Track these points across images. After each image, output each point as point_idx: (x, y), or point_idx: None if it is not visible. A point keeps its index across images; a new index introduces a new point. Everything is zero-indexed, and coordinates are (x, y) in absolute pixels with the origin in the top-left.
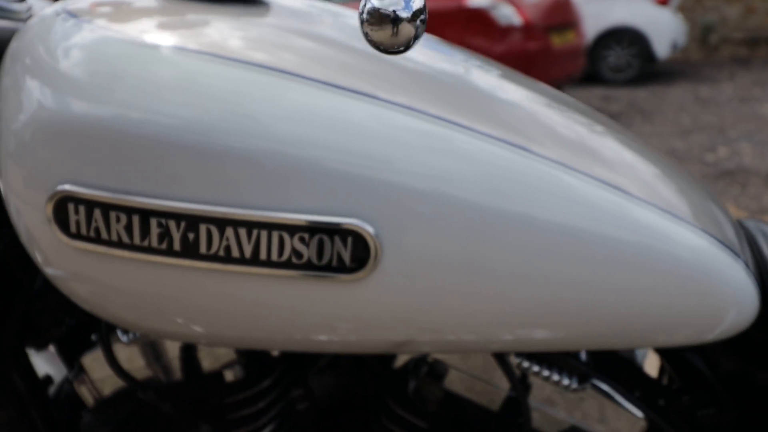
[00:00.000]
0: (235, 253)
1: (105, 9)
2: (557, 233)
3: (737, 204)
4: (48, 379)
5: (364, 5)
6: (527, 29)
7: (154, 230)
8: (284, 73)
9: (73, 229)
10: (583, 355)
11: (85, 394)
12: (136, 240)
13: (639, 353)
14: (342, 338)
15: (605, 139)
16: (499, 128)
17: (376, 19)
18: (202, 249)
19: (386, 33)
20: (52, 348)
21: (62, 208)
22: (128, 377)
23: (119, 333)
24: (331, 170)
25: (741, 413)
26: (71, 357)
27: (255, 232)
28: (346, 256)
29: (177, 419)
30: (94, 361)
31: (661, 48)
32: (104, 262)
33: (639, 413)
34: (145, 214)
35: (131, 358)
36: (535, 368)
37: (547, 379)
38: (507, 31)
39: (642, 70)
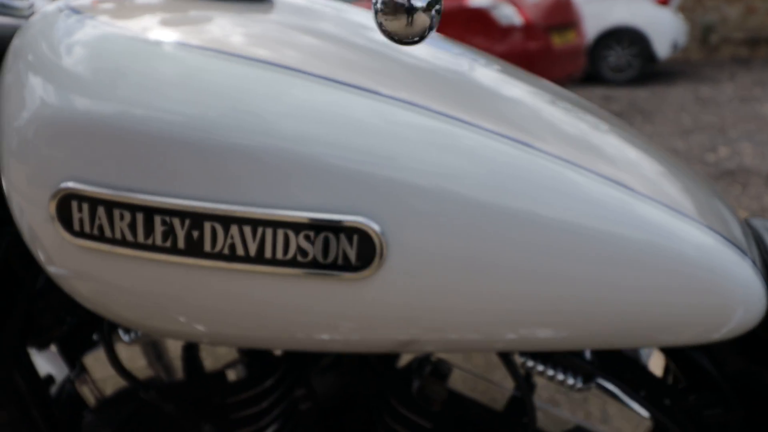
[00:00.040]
0: (240, 251)
1: (108, 5)
2: (562, 230)
3: (738, 204)
4: (49, 379)
5: None
6: (528, 29)
7: (158, 228)
8: (288, 69)
9: (76, 227)
10: (588, 355)
11: (87, 393)
12: (140, 238)
13: (644, 352)
14: (346, 337)
15: (609, 136)
16: (502, 124)
17: (391, 8)
18: (207, 247)
19: (401, 23)
20: (53, 347)
21: (65, 205)
22: (130, 377)
23: (121, 332)
24: (335, 167)
25: (748, 413)
26: (73, 356)
27: (260, 230)
28: (352, 254)
29: (179, 419)
30: (95, 361)
31: (662, 48)
32: (107, 260)
33: (644, 413)
34: (149, 211)
35: (133, 358)
36: (540, 367)
37: (551, 378)
38: (508, 30)
39: (642, 70)
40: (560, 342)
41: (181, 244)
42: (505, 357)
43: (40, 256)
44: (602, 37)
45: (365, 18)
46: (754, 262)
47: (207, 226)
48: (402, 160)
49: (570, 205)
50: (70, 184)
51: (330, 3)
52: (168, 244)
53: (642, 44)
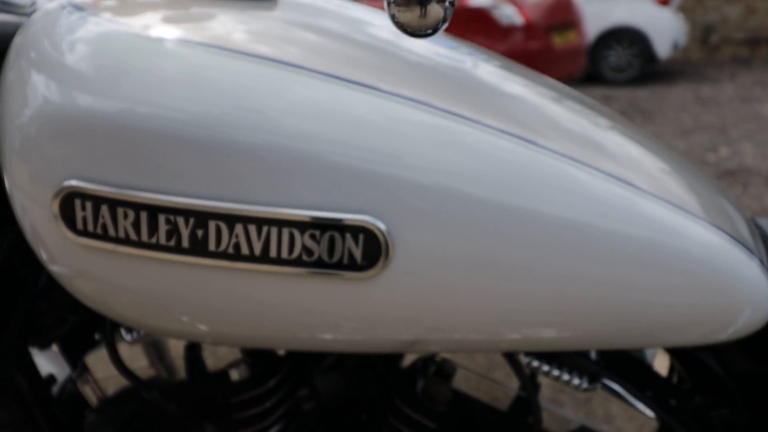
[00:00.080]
0: (245, 250)
1: (110, 2)
2: (568, 229)
3: (739, 204)
4: (51, 379)
5: None
6: (528, 29)
7: (162, 227)
8: (291, 66)
9: (79, 225)
10: (593, 355)
11: (89, 393)
12: (144, 237)
13: (649, 352)
14: (350, 337)
15: (613, 133)
16: (505, 121)
17: (404, 0)
18: (211, 246)
19: (414, 15)
20: (55, 347)
21: (69, 204)
22: (132, 376)
23: (123, 332)
24: (338, 164)
25: (755, 414)
26: (75, 356)
27: (265, 229)
28: (358, 253)
29: (182, 419)
30: (97, 360)
31: (662, 48)
32: (111, 259)
33: (650, 413)
34: (153, 210)
35: (135, 357)
36: (545, 368)
37: (557, 378)
38: (508, 30)
39: (643, 69)
40: (565, 342)
41: (185, 243)
42: (510, 357)
43: (43, 254)
44: (603, 37)
45: (368, 15)
46: (761, 262)
47: (212, 225)
48: (405, 157)
49: (575, 203)
50: (73, 183)
51: (333, 0)
52: (172, 243)
53: (642, 44)
